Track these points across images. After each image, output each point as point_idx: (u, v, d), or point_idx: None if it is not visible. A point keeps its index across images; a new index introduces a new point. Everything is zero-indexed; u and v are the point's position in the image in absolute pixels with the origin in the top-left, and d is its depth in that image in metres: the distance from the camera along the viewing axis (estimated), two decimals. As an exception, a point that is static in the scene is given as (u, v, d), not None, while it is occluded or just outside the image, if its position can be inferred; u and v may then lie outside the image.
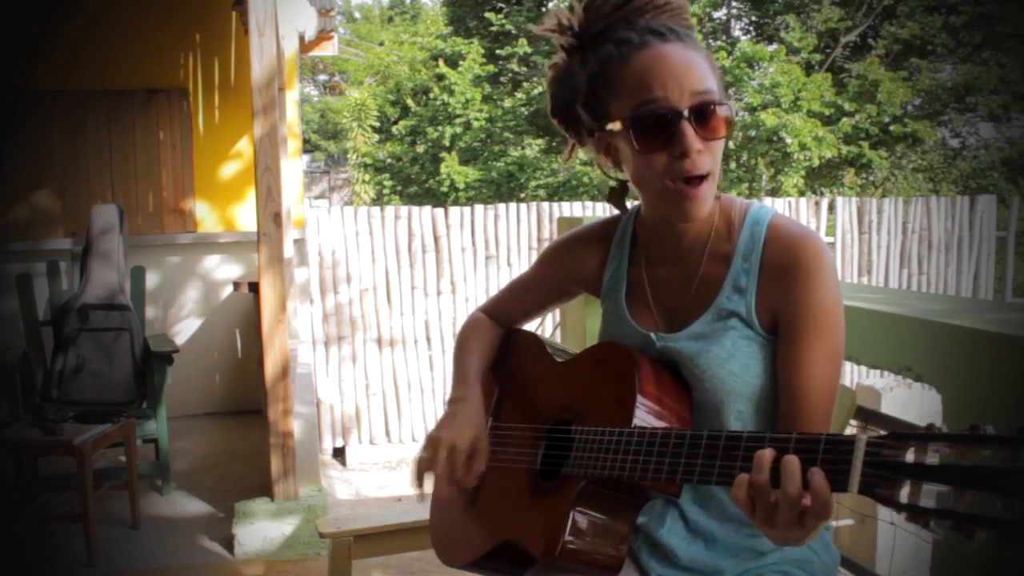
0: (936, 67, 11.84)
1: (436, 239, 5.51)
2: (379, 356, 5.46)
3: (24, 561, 3.23)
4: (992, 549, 0.68)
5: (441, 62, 13.18)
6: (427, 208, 5.54)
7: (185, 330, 5.30)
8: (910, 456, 0.76)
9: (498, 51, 13.19)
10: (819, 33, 11.98)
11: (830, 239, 6.04)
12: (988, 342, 1.30)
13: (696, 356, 1.13)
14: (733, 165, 10.82)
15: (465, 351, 1.39)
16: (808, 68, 11.68)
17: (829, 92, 10.84)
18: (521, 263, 5.58)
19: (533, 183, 12.44)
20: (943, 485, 0.72)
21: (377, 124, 15.30)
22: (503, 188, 12.58)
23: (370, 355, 5.45)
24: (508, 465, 1.27)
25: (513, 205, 5.70)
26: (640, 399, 1.09)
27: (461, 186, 12.55)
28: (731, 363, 1.11)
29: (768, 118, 10.13)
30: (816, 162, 10.38)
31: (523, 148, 13.07)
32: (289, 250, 4.63)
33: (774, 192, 10.65)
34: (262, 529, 3.29)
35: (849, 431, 1.56)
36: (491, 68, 13.17)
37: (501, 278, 5.52)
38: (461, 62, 13.09)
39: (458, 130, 12.99)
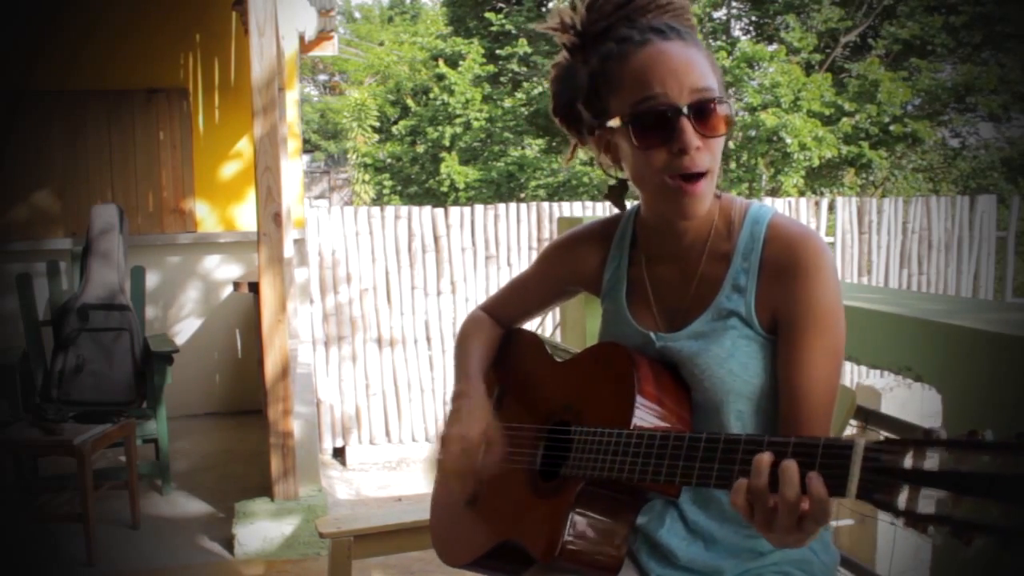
0: (936, 67, 11.84)
1: (436, 239, 5.51)
2: (379, 356, 5.46)
3: (24, 561, 3.23)
4: (993, 552, 0.68)
5: (441, 62, 13.18)
6: (427, 208, 5.54)
7: (185, 330, 5.30)
8: (908, 461, 0.75)
9: (498, 51, 13.19)
10: (819, 33, 11.98)
11: (830, 239, 6.04)
12: (988, 342, 1.30)
13: (696, 355, 1.13)
14: (733, 165, 10.82)
15: (466, 349, 1.39)
16: (808, 68, 11.68)
17: (829, 92, 10.84)
18: (521, 263, 5.58)
19: (533, 183, 12.44)
20: (941, 491, 0.72)
21: (377, 124, 15.30)
22: (503, 188, 12.58)
23: (370, 355, 5.45)
24: (508, 465, 1.27)
25: (513, 205, 5.70)
26: (639, 399, 1.09)
27: (461, 186, 12.55)
28: (731, 362, 1.11)
29: (768, 118, 10.13)
30: (816, 162, 10.38)
31: (523, 148, 13.07)
32: (289, 250, 4.63)
33: (774, 192, 10.65)
34: (262, 529, 3.29)
35: (849, 431, 1.56)
36: (491, 68, 13.17)
37: (501, 278, 5.52)
38: (461, 62, 13.09)
39: (458, 130, 12.99)
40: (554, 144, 13.11)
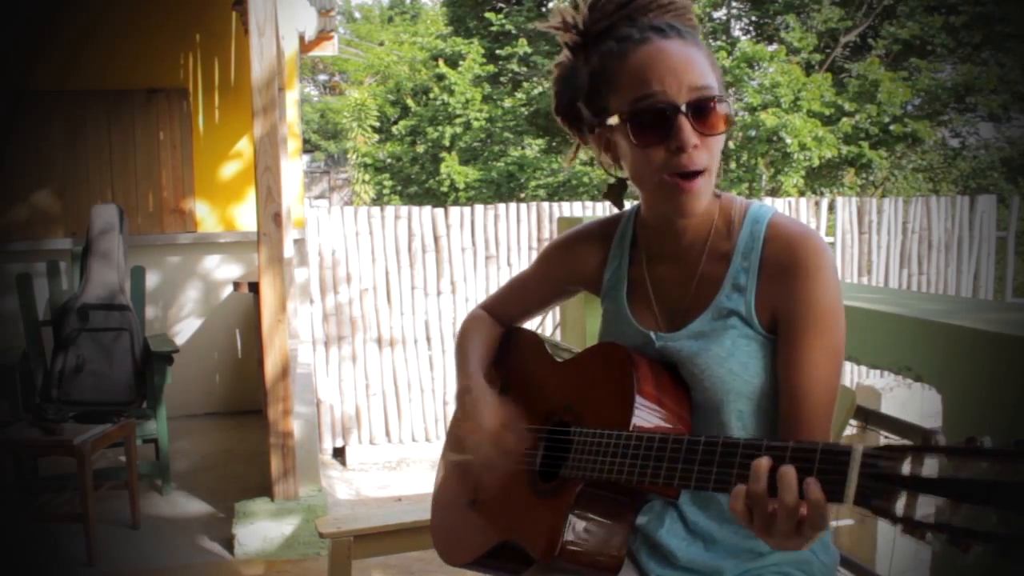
0: (936, 67, 11.83)
1: (436, 239, 5.51)
2: (379, 356, 5.46)
3: (24, 561, 3.23)
4: (991, 559, 0.68)
5: (441, 62, 13.18)
6: (427, 208, 5.54)
7: (185, 330, 5.30)
8: (906, 467, 0.75)
9: (498, 51, 13.19)
10: (819, 33, 11.98)
11: (830, 239, 6.04)
12: (988, 342, 1.30)
13: (695, 355, 1.13)
14: (733, 165, 10.82)
15: (466, 347, 1.39)
16: (808, 68, 11.68)
17: (829, 92, 10.84)
18: (521, 263, 5.58)
19: (533, 183, 12.44)
20: (939, 498, 0.72)
21: (377, 124, 15.30)
22: (503, 188, 12.58)
23: (370, 355, 5.45)
24: (514, 460, 1.27)
25: (513, 205, 5.69)
26: (639, 399, 1.09)
27: (461, 186, 12.55)
28: (730, 362, 1.11)
29: (768, 118, 10.13)
30: (816, 162, 10.37)
31: (523, 148, 13.07)
32: (289, 250, 4.63)
33: (774, 192, 10.64)
34: (262, 529, 3.29)
35: (849, 431, 1.56)
36: (491, 68, 13.17)
37: (501, 278, 5.52)
38: (461, 62, 13.09)
39: (458, 130, 12.99)
40: (554, 144, 13.11)
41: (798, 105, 10.57)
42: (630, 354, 1.14)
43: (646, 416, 1.08)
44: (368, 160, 14.77)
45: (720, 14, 13.19)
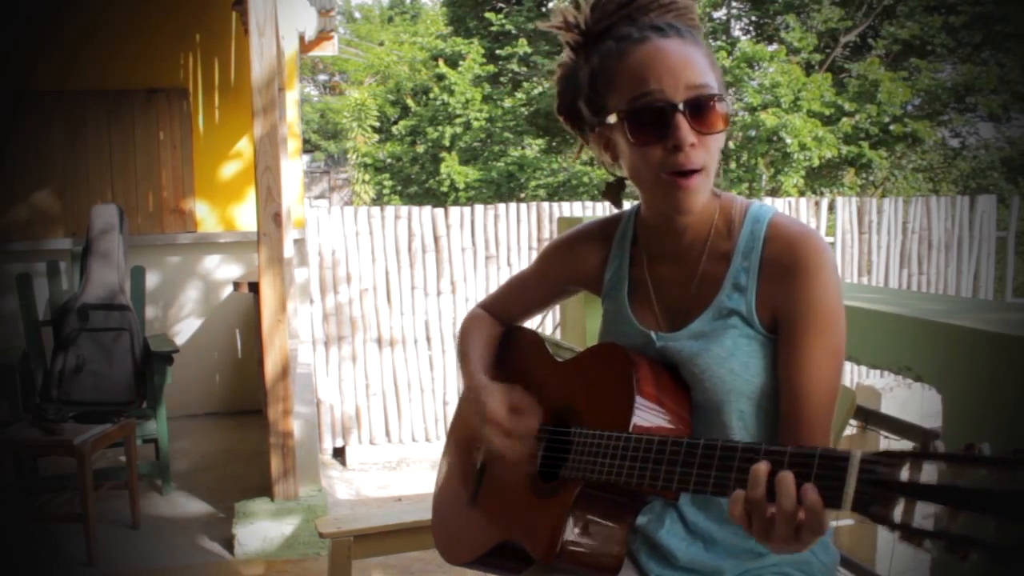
0: (936, 67, 11.83)
1: (436, 239, 5.51)
2: (379, 356, 5.46)
3: (24, 561, 3.23)
4: (988, 567, 0.68)
5: (441, 62, 13.18)
6: (427, 208, 5.54)
7: (185, 330, 5.30)
8: (905, 474, 0.75)
9: (498, 51, 13.19)
10: (819, 33, 11.98)
11: (830, 239, 6.04)
12: (988, 342, 1.30)
13: (696, 355, 1.13)
14: (733, 165, 10.82)
15: (468, 347, 1.39)
16: (808, 68, 11.68)
17: (829, 92, 10.84)
18: (521, 263, 5.58)
19: (533, 183, 12.43)
20: (937, 505, 0.72)
21: (377, 124, 15.30)
22: (503, 188, 12.58)
23: (370, 355, 5.45)
24: (508, 465, 1.27)
25: (513, 205, 5.69)
26: (638, 400, 1.09)
27: (461, 186, 12.55)
28: (731, 362, 1.11)
29: (768, 118, 10.13)
30: (816, 162, 10.37)
31: (523, 148, 13.07)
32: (289, 250, 4.63)
33: (774, 192, 10.64)
34: (262, 529, 3.29)
35: (849, 431, 1.56)
36: (491, 68, 13.17)
37: (501, 278, 5.51)
38: (461, 62, 13.09)
39: (458, 130, 12.99)
40: (554, 144, 13.11)
41: (798, 105, 10.57)
42: (630, 354, 1.13)
43: (646, 416, 1.08)
44: (368, 160, 14.77)
45: (720, 14, 13.19)
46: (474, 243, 5.56)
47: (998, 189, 11.69)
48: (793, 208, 6.08)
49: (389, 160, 14.50)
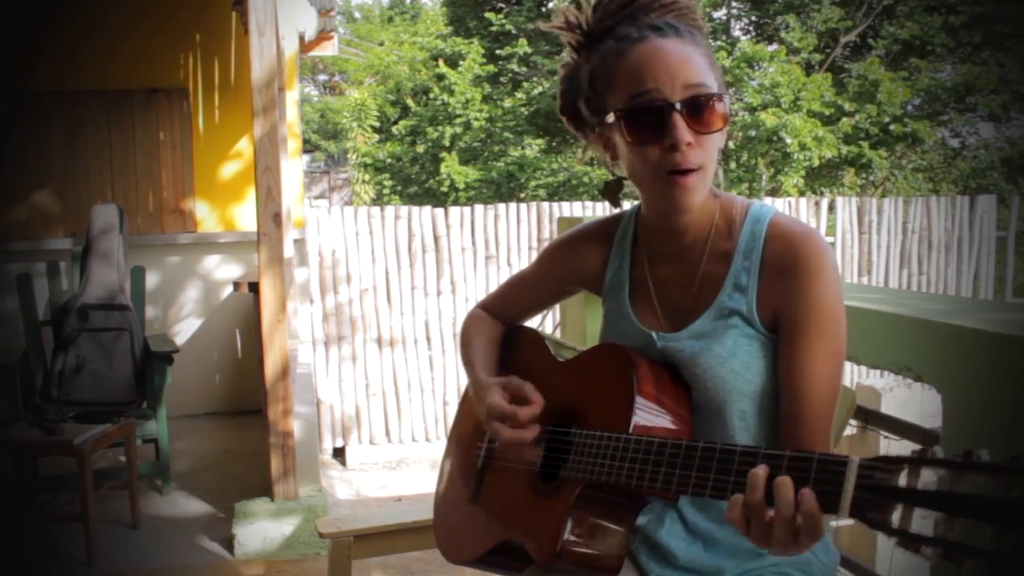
0: (936, 67, 11.83)
1: (436, 239, 5.51)
2: (379, 356, 5.46)
3: (24, 561, 3.23)
4: (986, 571, 0.68)
5: (441, 62, 13.18)
6: (427, 208, 5.54)
7: (185, 330, 5.30)
8: (902, 480, 0.75)
9: (498, 51, 13.19)
10: (819, 33, 11.97)
11: (830, 239, 6.03)
12: (988, 342, 1.30)
13: (697, 355, 1.13)
14: (733, 165, 10.82)
15: (471, 347, 1.39)
16: (808, 68, 11.68)
17: (829, 92, 10.84)
18: (521, 263, 5.58)
19: (533, 183, 12.44)
20: (934, 512, 0.72)
21: (377, 124, 15.30)
22: (503, 188, 12.58)
23: (370, 355, 5.45)
24: (509, 465, 1.27)
25: (513, 205, 5.69)
26: (639, 400, 1.09)
27: (461, 186, 12.55)
28: (733, 362, 1.11)
29: (768, 118, 10.12)
30: (816, 162, 10.37)
31: (523, 148, 13.07)
32: (289, 250, 4.63)
33: (774, 192, 10.64)
34: (262, 529, 3.29)
35: (849, 431, 1.56)
36: (491, 68, 13.17)
37: (501, 278, 5.51)
38: (461, 62, 13.09)
39: (458, 130, 12.99)
40: (554, 144, 13.10)
41: (798, 105, 10.57)
42: (630, 355, 1.13)
43: (646, 417, 1.08)
44: (368, 160, 14.77)
45: (720, 14, 13.19)
46: (474, 243, 5.56)
47: (998, 189, 11.69)
48: (793, 208, 6.08)
49: (389, 160, 14.50)
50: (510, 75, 13.46)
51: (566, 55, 1.22)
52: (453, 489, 1.40)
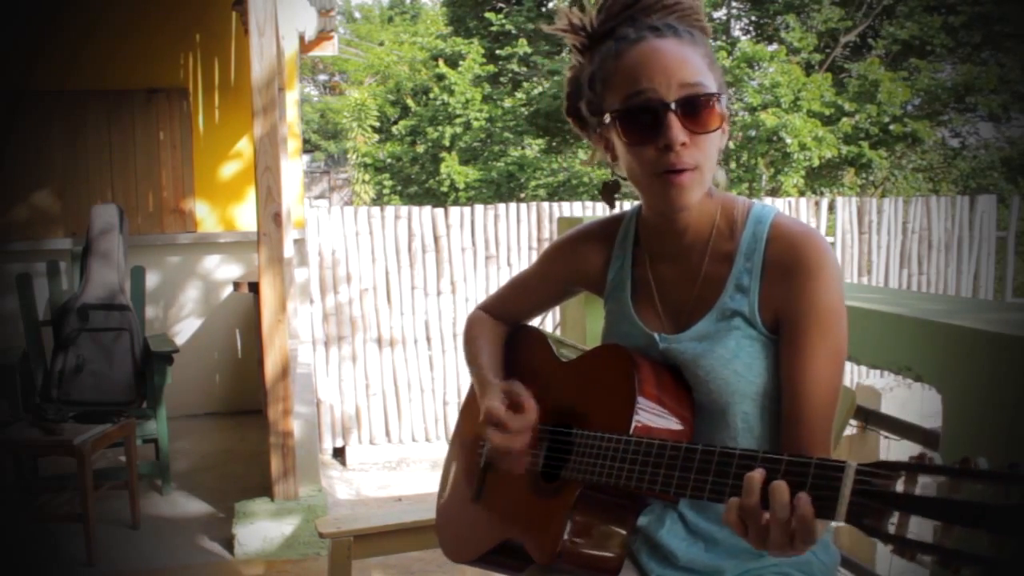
0: (936, 67, 11.83)
1: (436, 239, 5.50)
2: (379, 356, 5.46)
3: (24, 561, 3.23)
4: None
5: (441, 62, 13.18)
6: (427, 208, 5.54)
7: (185, 330, 5.30)
8: (899, 487, 0.75)
9: (498, 51, 13.19)
10: (819, 33, 11.98)
11: (830, 239, 6.03)
12: (988, 342, 1.30)
13: (700, 357, 1.13)
14: (733, 165, 10.82)
15: (477, 351, 1.39)
16: (808, 68, 11.68)
17: (829, 92, 10.84)
18: (521, 263, 5.58)
19: (533, 183, 12.43)
20: (931, 519, 0.71)
21: (377, 124, 15.30)
22: (503, 188, 12.58)
23: (370, 355, 5.45)
24: (508, 461, 1.27)
25: (513, 205, 5.69)
26: (640, 400, 1.09)
27: (461, 186, 12.55)
28: (735, 363, 1.11)
29: (768, 118, 10.13)
30: (816, 162, 10.37)
31: (523, 148, 13.07)
32: (289, 250, 4.63)
33: (774, 192, 10.64)
34: (262, 529, 3.29)
35: (849, 431, 1.56)
36: (491, 68, 13.17)
37: (501, 278, 5.51)
38: (461, 62, 13.09)
39: (458, 130, 12.99)
40: (554, 144, 13.10)
41: (798, 105, 10.57)
42: (632, 355, 1.13)
43: (648, 417, 1.08)
44: (368, 160, 14.77)
45: (720, 14, 13.19)
46: (474, 243, 5.56)
47: (998, 189, 11.69)
48: (793, 208, 6.08)
49: (389, 160, 14.50)
50: (510, 75, 13.46)
51: (569, 56, 1.22)
52: (456, 488, 1.40)
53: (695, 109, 1.06)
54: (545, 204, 5.74)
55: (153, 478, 3.86)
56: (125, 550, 3.29)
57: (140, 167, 5.43)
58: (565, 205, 6.06)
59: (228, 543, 3.32)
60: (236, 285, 4.43)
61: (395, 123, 14.69)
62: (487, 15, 13.51)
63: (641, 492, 1.04)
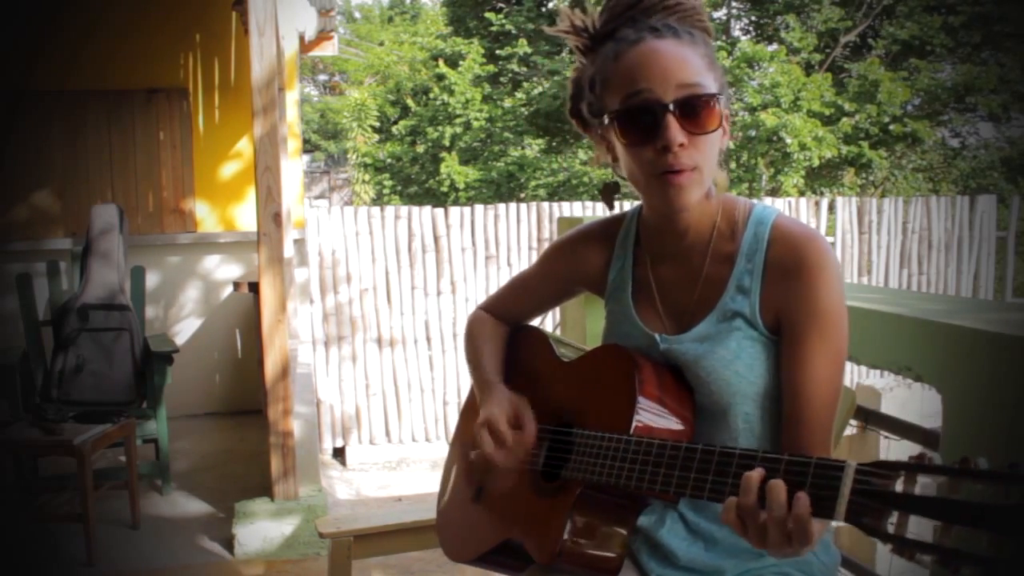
0: (936, 67, 11.84)
1: (436, 239, 5.51)
2: (379, 356, 5.46)
3: (24, 561, 3.23)
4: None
5: (441, 62, 13.18)
6: (427, 208, 5.54)
7: (185, 330, 5.30)
8: (899, 486, 0.75)
9: (498, 51, 13.19)
10: (819, 33, 11.98)
11: (830, 239, 6.03)
12: (988, 342, 1.30)
13: (701, 358, 1.13)
14: (733, 165, 10.81)
15: (479, 351, 1.39)
16: (808, 68, 11.68)
17: (829, 92, 10.84)
18: (521, 263, 5.58)
19: (533, 183, 12.43)
20: (931, 518, 0.71)
21: (377, 124, 15.30)
22: (503, 188, 12.58)
23: (370, 355, 5.45)
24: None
25: (513, 205, 5.69)
26: (641, 401, 1.09)
27: (461, 186, 12.55)
28: (736, 364, 1.11)
29: (768, 118, 10.13)
30: (816, 162, 10.37)
31: (523, 148, 13.07)
32: (289, 250, 4.63)
33: (774, 192, 10.64)
34: (262, 529, 3.29)
35: (849, 431, 1.56)
36: (491, 68, 13.17)
37: (501, 278, 5.51)
38: (461, 62, 13.09)
39: (458, 130, 12.99)
40: (554, 144, 13.10)
41: (798, 105, 10.57)
42: (633, 356, 1.14)
43: (648, 418, 1.08)
44: (368, 160, 14.77)
45: (720, 14, 13.19)
46: (474, 243, 5.56)
47: (998, 189, 11.69)
48: (793, 208, 6.08)
49: (389, 160, 14.50)
50: (510, 75, 13.46)
51: (569, 57, 1.22)
52: (456, 488, 1.40)
53: (693, 110, 1.05)
54: (545, 204, 5.74)
55: (153, 478, 3.86)
56: (125, 550, 3.29)
57: (140, 167, 5.43)
58: (565, 205, 6.06)
59: (228, 543, 3.32)
60: (236, 285, 4.43)
61: (395, 123, 14.69)
62: (487, 15, 13.51)
63: (641, 492, 1.04)
